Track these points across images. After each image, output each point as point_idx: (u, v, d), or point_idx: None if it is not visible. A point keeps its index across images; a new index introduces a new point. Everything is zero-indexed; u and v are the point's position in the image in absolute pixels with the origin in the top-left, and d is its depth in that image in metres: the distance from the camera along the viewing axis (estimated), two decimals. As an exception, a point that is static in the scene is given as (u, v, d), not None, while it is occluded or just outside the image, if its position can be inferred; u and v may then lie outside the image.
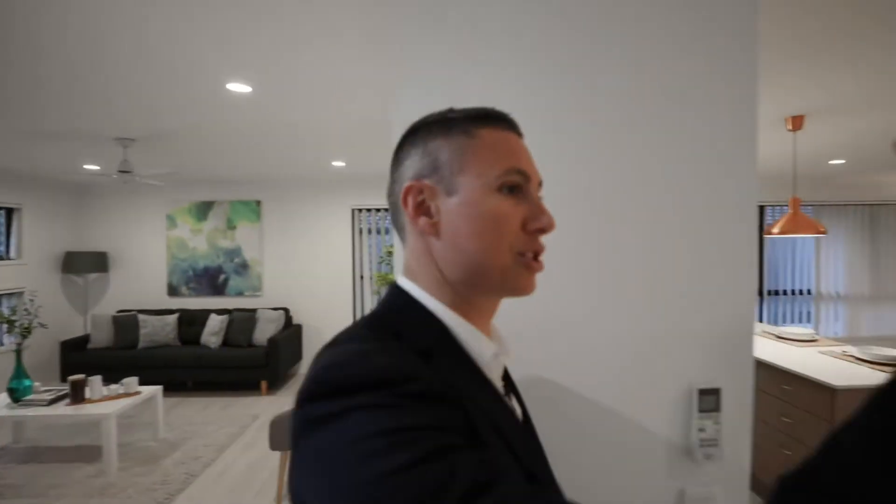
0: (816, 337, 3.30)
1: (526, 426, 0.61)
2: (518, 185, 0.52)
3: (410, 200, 0.53)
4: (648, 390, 0.98)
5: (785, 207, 6.09)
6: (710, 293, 0.99)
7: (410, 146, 0.55)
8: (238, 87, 2.56)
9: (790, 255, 6.23)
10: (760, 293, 6.18)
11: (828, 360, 2.81)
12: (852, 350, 2.89)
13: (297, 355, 5.88)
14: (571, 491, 0.72)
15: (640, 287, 0.99)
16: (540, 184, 0.56)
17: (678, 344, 0.98)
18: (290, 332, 5.66)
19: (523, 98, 0.98)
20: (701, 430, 0.96)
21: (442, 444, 0.37)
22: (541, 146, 0.77)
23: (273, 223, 6.09)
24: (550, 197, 0.63)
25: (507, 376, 0.62)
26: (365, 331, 0.51)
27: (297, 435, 0.41)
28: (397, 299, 0.54)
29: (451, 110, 0.55)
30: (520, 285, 0.52)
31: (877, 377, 2.46)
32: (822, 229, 3.03)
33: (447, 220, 0.51)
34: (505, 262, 0.51)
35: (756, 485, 2.81)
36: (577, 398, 0.99)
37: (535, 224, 0.51)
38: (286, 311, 5.82)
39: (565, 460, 0.94)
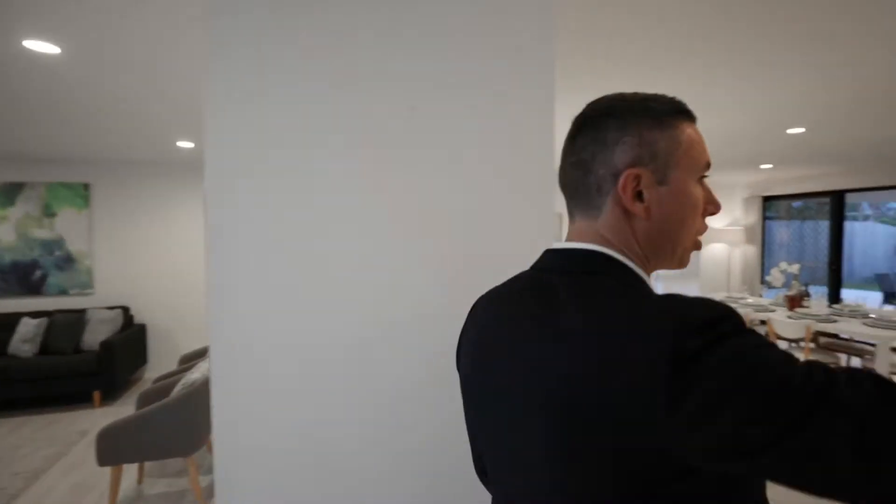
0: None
1: None
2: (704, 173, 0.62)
3: (630, 186, 0.57)
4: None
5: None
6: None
7: (621, 130, 0.58)
8: (40, 47, 2.17)
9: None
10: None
11: None
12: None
13: (140, 359, 5.23)
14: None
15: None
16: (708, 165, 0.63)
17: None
18: (131, 333, 5.01)
19: (337, 81, 1.01)
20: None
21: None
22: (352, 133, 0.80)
23: (106, 210, 5.29)
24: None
25: None
26: (644, 287, 0.56)
27: (677, 369, 0.42)
28: (613, 265, 0.58)
29: (652, 98, 0.60)
30: (686, 261, 0.63)
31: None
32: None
33: (657, 205, 0.58)
34: (691, 241, 0.62)
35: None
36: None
37: (712, 208, 0.62)
38: (125, 309, 5.13)
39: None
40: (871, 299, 9.27)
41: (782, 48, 2.28)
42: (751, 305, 4.90)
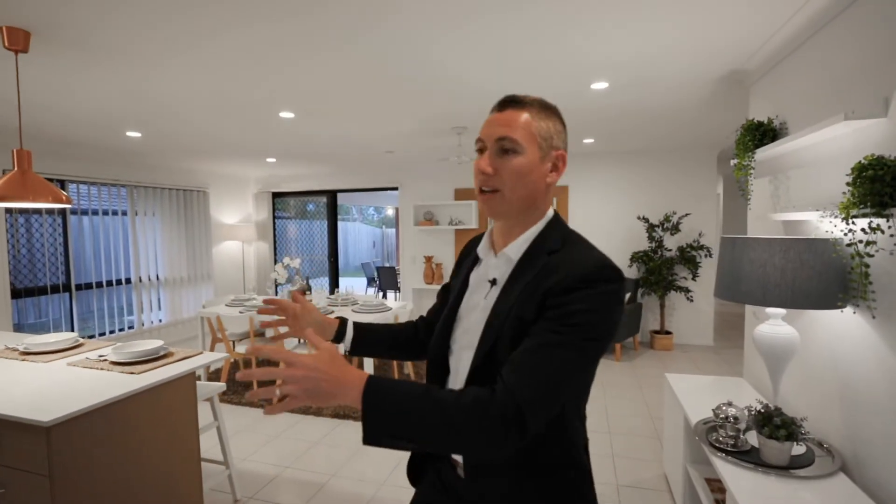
0: (80, 341, 2.51)
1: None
2: (480, 148, 0.90)
3: None
4: None
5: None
6: None
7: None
8: None
9: (102, 242, 5.38)
10: (68, 288, 4.99)
11: (73, 372, 2.04)
12: (108, 353, 2.26)
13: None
14: None
15: None
16: (499, 139, 0.86)
17: None
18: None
19: None
20: None
21: None
22: None
23: None
24: None
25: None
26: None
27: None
28: None
29: None
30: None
31: (123, 381, 1.88)
32: (66, 198, 2.22)
33: None
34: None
35: None
36: None
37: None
38: None
39: None
40: (359, 285, 11.32)
41: None
42: (258, 307, 4.41)
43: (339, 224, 7.73)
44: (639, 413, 3.72)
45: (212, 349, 4.47)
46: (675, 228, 5.43)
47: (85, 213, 5.18)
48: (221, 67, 2.59)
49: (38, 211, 4.68)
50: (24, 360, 2.25)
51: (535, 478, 0.86)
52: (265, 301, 1.09)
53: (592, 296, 0.77)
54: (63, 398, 1.73)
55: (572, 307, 0.77)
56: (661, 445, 3.14)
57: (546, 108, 0.89)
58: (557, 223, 0.92)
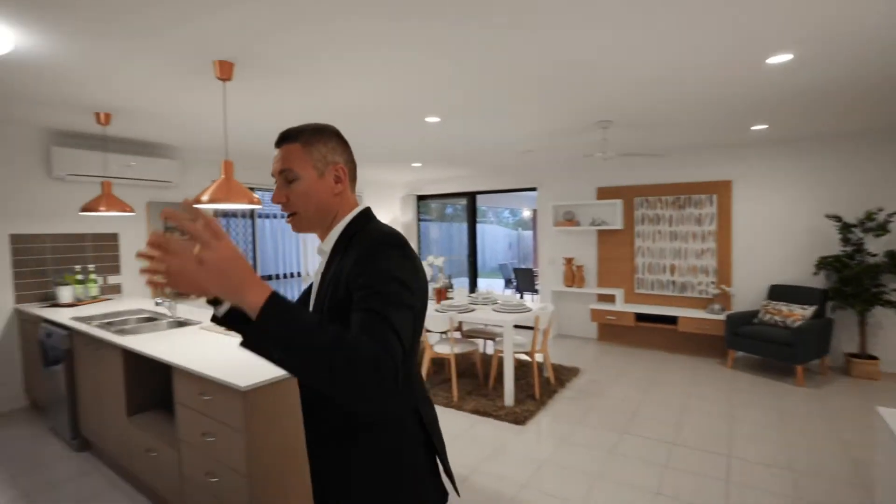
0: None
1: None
2: (275, 180, 1.05)
3: None
4: None
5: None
6: None
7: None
8: None
9: (280, 241, 6.28)
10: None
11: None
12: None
13: None
14: None
15: None
16: (280, 172, 1.02)
17: None
18: None
19: None
20: None
21: None
22: None
23: None
24: None
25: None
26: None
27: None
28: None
29: None
30: None
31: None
32: (257, 199, 2.63)
33: None
34: None
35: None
36: None
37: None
38: None
39: None
40: (497, 286, 11.44)
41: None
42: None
43: (477, 226, 7.90)
44: (833, 453, 3.05)
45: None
46: (883, 229, 4.39)
47: (267, 216, 6.11)
48: (378, 77, 2.82)
49: (234, 214, 5.66)
50: (227, 334, 2.72)
51: (361, 434, 0.98)
52: (140, 254, 0.75)
53: (385, 256, 0.92)
54: (254, 367, 2.04)
55: (379, 266, 0.90)
56: (872, 499, 2.53)
57: (316, 133, 1.03)
58: (362, 216, 1.07)
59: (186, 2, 1.86)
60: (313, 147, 1.02)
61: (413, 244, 8.15)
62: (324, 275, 1.05)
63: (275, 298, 0.75)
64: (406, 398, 1.01)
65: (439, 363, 5.04)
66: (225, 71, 2.51)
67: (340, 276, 0.96)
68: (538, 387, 4.09)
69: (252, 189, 5.79)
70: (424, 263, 4.83)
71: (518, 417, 3.60)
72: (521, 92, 3.12)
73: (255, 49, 2.34)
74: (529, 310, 4.16)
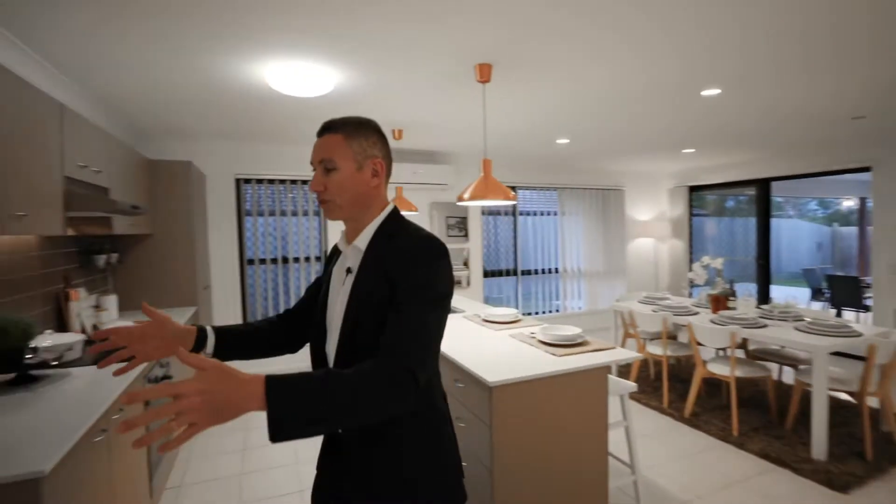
0: (519, 317, 2.98)
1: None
2: (313, 169, 1.06)
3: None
4: None
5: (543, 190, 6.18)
6: None
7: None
8: None
9: (539, 237, 6.39)
10: (515, 273, 6.23)
11: (513, 344, 2.41)
12: (537, 332, 2.55)
13: None
14: None
15: None
16: (321, 161, 1.03)
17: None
18: None
19: None
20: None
21: None
22: None
23: None
24: None
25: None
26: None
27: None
28: None
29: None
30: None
31: (548, 360, 2.07)
32: (513, 196, 2.65)
33: None
34: None
35: None
36: None
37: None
38: None
39: None
40: (800, 296, 9.00)
41: None
42: (671, 308, 4.07)
43: (770, 220, 6.32)
44: None
45: (622, 344, 4.51)
46: None
47: (528, 214, 6.33)
48: (642, 50, 2.47)
49: (498, 212, 6.05)
50: (483, 325, 2.87)
51: (401, 422, 1.00)
52: (95, 336, 0.98)
53: (430, 263, 0.97)
54: (502, 364, 2.05)
55: (418, 275, 0.95)
56: None
57: (359, 126, 1.05)
58: (395, 216, 1.09)
59: (445, 16, 1.98)
60: (354, 140, 1.03)
61: (683, 241, 7.16)
62: (359, 276, 1.04)
63: (274, 393, 0.72)
64: (430, 394, 1.06)
65: (714, 384, 4.23)
66: (484, 73, 2.62)
67: (380, 273, 0.99)
68: (869, 443, 2.95)
69: (513, 188, 6.08)
70: (698, 265, 4.12)
71: (834, 480, 2.66)
72: (847, 31, 2.25)
73: (512, 47, 2.36)
74: (859, 334, 3.04)
